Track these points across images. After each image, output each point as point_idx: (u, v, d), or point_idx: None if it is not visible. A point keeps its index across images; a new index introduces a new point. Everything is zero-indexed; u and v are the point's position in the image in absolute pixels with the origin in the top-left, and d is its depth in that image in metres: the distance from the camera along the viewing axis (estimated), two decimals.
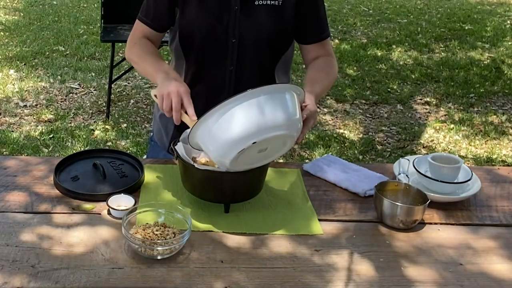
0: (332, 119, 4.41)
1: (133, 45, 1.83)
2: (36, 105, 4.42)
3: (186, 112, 1.56)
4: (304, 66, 5.28)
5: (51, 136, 3.93)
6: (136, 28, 1.85)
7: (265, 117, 1.40)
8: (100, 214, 1.56)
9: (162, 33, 1.85)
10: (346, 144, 4.04)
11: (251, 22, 1.74)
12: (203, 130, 1.45)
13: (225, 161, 1.45)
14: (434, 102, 4.80)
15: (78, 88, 4.78)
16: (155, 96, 1.61)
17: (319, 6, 1.83)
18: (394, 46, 6.08)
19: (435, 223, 1.60)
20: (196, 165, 1.55)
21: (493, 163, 3.82)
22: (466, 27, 6.88)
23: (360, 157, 3.86)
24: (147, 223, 1.48)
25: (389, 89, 5.00)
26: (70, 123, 4.16)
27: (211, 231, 1.51)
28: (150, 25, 1.81)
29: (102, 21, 4.35)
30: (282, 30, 1.79)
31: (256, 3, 1.72)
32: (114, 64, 4.37)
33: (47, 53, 5.48)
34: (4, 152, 3.67)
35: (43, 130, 4.00)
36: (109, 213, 1.56)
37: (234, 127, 1.40)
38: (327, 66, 1.83)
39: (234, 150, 1.41)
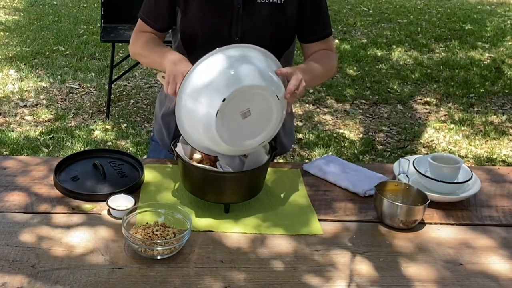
0: (332, 119, 4.41)
1: (136, 40, 1.82)
2: (36, 105, 4.42)
3: None
4: None
5: (51, 136, 3.93)
6: (138, 25, 1.84)
7: (225, 72, 1.45)
8: (100, 214, 1.56)
9: (163, 33, 1.85)
10: (346, 144, 4.03)
11: (253, 20, 1.74)
12: (184, 112, 1.48)
13: (213, 133, 1.45)
14: (434, 102, 4.79)
15: (78, 88, 4.77)
16: (163, 77, 1.61)
17: (321, 4, 1.82)
18: (394, 46, 6.08)
19: (435, 223, 1.60)
20: (194, 164, 1.55)
21: (493, 163, 3.82)
22: (466, 27, 6.87)
23: (360, 157, 3.86)
24: (147, 223, 1.48)
25: (389, 89, 5.00)
26: (70, 123, 4.16)
27: (211, 231, 1.51)
28: (151, 25, 1.81)
29: (102, 21, 4.35)
30: (284, 28, 1.79)
31: (259, 1, 1.72)
32: (114, 64, 4.37)
33: (47, 53, 5.48)
34: (4, 152, 3.67)
35: (43, 130, 4.00)
36: (109, 213, 1.56)
37: (201, 92, 1.45)
38: (323, 57, 1.82)
39: (210, 116, 1.43)
